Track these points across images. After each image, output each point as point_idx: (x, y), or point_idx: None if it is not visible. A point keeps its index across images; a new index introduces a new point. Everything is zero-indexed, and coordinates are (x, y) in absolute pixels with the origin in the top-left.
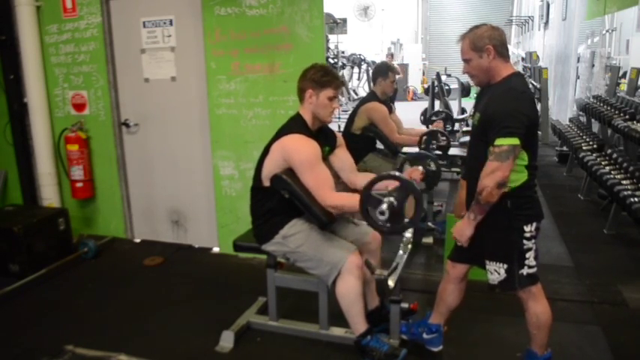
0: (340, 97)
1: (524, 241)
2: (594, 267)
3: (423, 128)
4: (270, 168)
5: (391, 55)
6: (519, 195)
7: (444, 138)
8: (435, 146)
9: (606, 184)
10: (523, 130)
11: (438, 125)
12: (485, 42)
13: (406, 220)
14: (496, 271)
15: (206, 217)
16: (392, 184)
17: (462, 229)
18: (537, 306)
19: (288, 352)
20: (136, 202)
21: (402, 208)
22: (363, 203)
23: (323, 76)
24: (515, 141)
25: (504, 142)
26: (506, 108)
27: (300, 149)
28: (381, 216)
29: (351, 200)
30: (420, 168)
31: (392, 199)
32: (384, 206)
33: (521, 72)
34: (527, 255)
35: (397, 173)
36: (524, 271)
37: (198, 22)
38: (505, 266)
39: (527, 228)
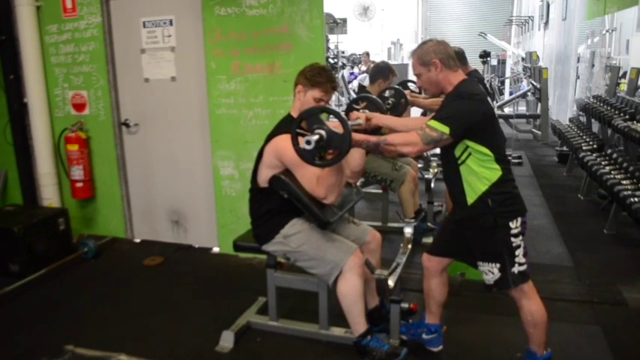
0: (340, 97)
1: (512, 239)
2: (594, 267)
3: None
4: (265, 171)
5: (367, 55)
6: (498, 192)
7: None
8: (390, 103)
9: (606, 184)
10: (461, 127)
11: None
12: (431, 56)
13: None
14: (490, 272)
15: (206, 217)
16: (338, 125)
17: (356, 140)
18: (531, 304)
19: (288, 352)
20: (136, 202)
21: (331, 144)
22: (293, 131)
23: (315, 76)
24: (446, 130)
25: (436, 126)
26: (454, 103)
27: (289, 147)
28: (307, 145)
29: (332, 172)
30: (366, 111)
31: (323, 132)
32: (314, 137)
33: (472, 77)
34: (516, 252)
35: (347, 123)
36: (515, 269)
37: (198, 22)
38: (498, 265)
39: (512, 224)
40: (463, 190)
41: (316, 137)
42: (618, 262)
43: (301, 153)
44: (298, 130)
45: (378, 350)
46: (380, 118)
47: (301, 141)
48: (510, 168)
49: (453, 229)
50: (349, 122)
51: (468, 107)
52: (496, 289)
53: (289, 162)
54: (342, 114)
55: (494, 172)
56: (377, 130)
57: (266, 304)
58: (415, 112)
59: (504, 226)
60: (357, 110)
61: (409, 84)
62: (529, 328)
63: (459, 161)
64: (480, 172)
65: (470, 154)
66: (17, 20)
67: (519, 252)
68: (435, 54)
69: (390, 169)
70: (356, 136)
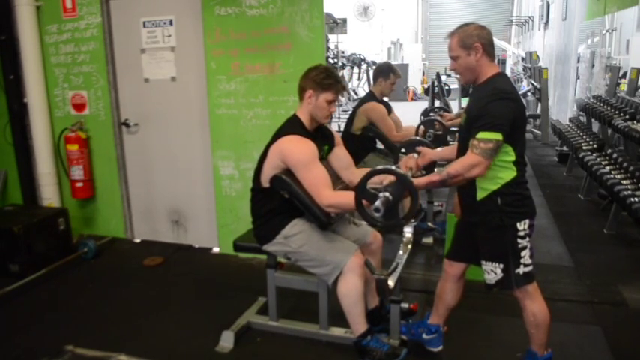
0: (340, 97)
1: (519, 240)
2: (594, 267)
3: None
4: (268, 171)
5: None
6: (509, 192)
7: (440, 126)
8: (431, 135)
9: (606, 184)
10: (507, 128)
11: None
12: (474, 40)
13: (401, 216)
14: (493, 271)
15: (206, 217)
16: (387, 179)
17: (421, 187)
18: (534, 305)
19: (288, 352)
20: (136, 202)
21: (397, 203)
22: (358, 198)
23: (325, 79)
24: (499, 136)
25: (489, 137)
26: (491, 106)
27: (295, 150)
28: (376, 213)
29: (348, 198)
30: (415, 155)
31: (387, 194)
32: (379, 203)
33: (505, 72)
34: (522, 254)
35: (393, 167)
36: (521, 270)
37: (198, 22)
38: (501, 266)
39: (520, 226)
40: (475, 185)
41: (382, 200)
42: (618, 262)
43: (364, 213)
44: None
45: (378, 350)
46: (431, 154)
47: (367, 206)
48: (525, 170)
49: (465, 229)
50: (402, 171)
51: (509, 107)
52: (497, 289)
53: (293, 164)
54: (406, 174)
55: (509, 173)
56: (432, 165)
57: (266, 304)
58: (403, 117)
59: (511, 226)
60: (405, 155)
61: (436, 109)
62: (531, 329)
63: None
64: (495, 171)
65: None
66: (17, 20)
67: (525, 253)
68: (479, 38)
69: None
70: (419, 182)
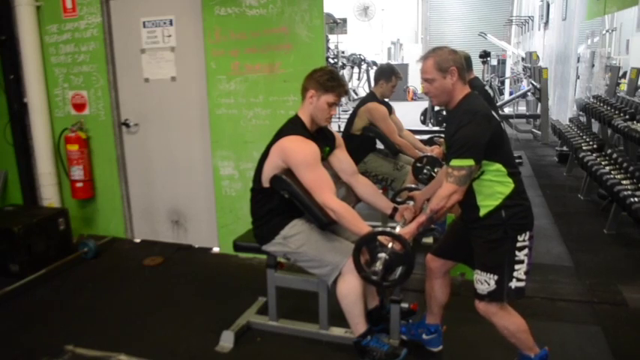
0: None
1: (516, 252)
2: (594, 267)
3: (425, 142)
4: (269, 170)
5: None
6: (512, 204)
7: (439, 169)
8: (427, 173)
9: (606, 184)
10: (480, 150)
11: (435, 151)
12: (450, 64)
13: (391, 278)
14: (486, 282)
15: (206, 217)
16: (393, 241)
17: (413, 234)
18: (502, 320)
19: (288, 352)
20: (136, 202)
21: (391, 268)
22: (358, 246)
23: (328, 80)
24: (471, 162)
25: (461, 164)
26: (460, 132)
27: (298, 150)
28: (373, 275)
29: (350, 215)
30: (411, 203)
31: (388, 257)
32: (379, 265)
33: (472, 87)
34: (516, 267)
35: (406, 239)
36: (513, 284)
37: (198, 22)
38: (495, 277)
39: (520, 237)
40: (476, 205)
41: (383, 261)
42: (618, 262)
43: (359, 267)
44: None
45: (378, 350)
46: (421, 195)
47: (366, 259)
48: (521, 179)
49: (460, 233)
50: (398, 228)
51: (477, 130)
52: (488, 299)
53: (295, 165)
54: (398, 232)
55: (507, 186)
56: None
57: (266, 304)
58: (403, 117)
59: (512, 238)
60: (399, 204)
61: (434, 139)
62: (510, 340)
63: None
64: (493, 187)
65: (483, 172)
66: (17, 20)
67: (520, 267)
68: (454, 62)
69: (391, 168)
70: (411, 229)
